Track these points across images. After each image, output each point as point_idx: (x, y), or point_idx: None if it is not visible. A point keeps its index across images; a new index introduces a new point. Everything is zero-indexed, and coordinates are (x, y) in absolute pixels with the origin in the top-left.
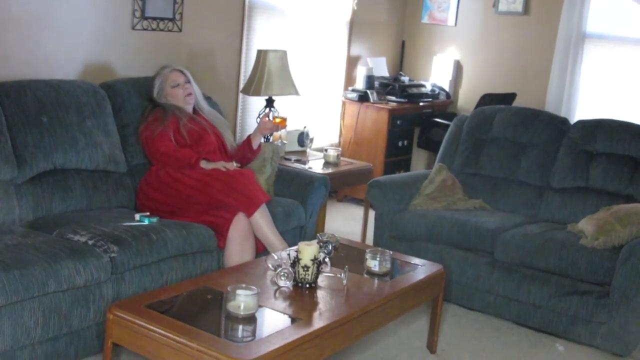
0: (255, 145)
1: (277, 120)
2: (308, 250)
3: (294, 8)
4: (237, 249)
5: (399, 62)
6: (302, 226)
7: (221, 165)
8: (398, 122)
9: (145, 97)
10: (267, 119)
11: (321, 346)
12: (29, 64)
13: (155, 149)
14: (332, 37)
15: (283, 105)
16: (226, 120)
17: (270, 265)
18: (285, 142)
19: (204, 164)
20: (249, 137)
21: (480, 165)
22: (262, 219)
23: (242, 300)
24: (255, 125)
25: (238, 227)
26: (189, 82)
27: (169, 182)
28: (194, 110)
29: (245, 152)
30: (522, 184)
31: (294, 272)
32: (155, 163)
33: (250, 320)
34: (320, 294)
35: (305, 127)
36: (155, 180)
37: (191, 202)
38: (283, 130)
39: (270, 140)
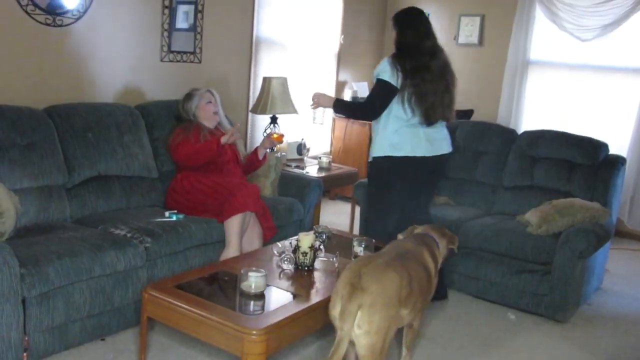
0: (260, 156)
1: (275, 136)
2: (306, 239)
3: (292, 43)
4: (237, 245)
5: None
6: (301, 220)
7: (230, 132)
8: None
9: (173, 115)
10: (269, 139)
11: (318, 317)
12: (77, 89)
13: (178, 155)
14: (324, 66)
15: (284, 122)
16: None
17: (275, 252)
18: (284, 153)
19: (223, 139)
20: (255, 149)
21: None
22: (245, 222)
23: (253, 280)
24: (261, 138)
25: (232, 228)
26: (216, 102)
27: (189, 188)
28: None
29: (254, 161)
30: (479, 183)
31: (295, 257)
32: (183, 166)
33: (260, 297)
34: (317, 275)
35: (302, 139)
36: (179, 186)
37: (206, 204)
38: (285, 142)
39: (274, 150)
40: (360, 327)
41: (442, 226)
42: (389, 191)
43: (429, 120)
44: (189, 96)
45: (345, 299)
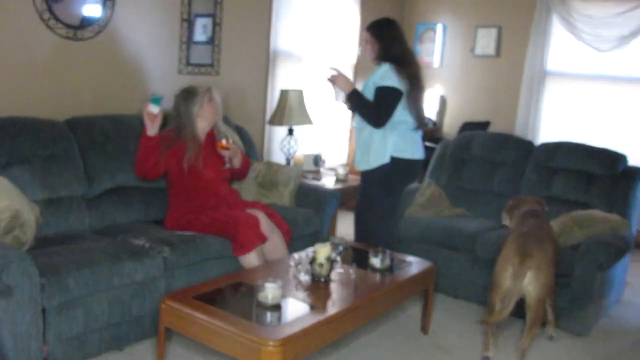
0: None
1: (221, 144)
2: (323, 251)
3: (309, 55)
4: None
5: None
6: (318, 231)
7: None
8: None
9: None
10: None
11: (334, 329)
12: (97, 102)
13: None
14: None
15: (301, 133)
16: (234, 133)
17: (292, 263)
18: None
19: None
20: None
21: (462, 180)
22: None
23: (269, 291)
24: (279, 149)
25: (250, 263)
26: (218, 102)
27: (190, 219)
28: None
29: (235, 172)
30: (497, 194)
31: (312, 269)
32: (141, 177)
33: (277, 308)
34: (333, 286)
35: (319, 151)
36: (175, 225)
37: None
38: (301, 154)
39: (292, 163)
40: (530, 283)
41: (524, 197)
42: (390, 194)
43: (421, 124)
44: (190, 93)
45: (517, 265)
